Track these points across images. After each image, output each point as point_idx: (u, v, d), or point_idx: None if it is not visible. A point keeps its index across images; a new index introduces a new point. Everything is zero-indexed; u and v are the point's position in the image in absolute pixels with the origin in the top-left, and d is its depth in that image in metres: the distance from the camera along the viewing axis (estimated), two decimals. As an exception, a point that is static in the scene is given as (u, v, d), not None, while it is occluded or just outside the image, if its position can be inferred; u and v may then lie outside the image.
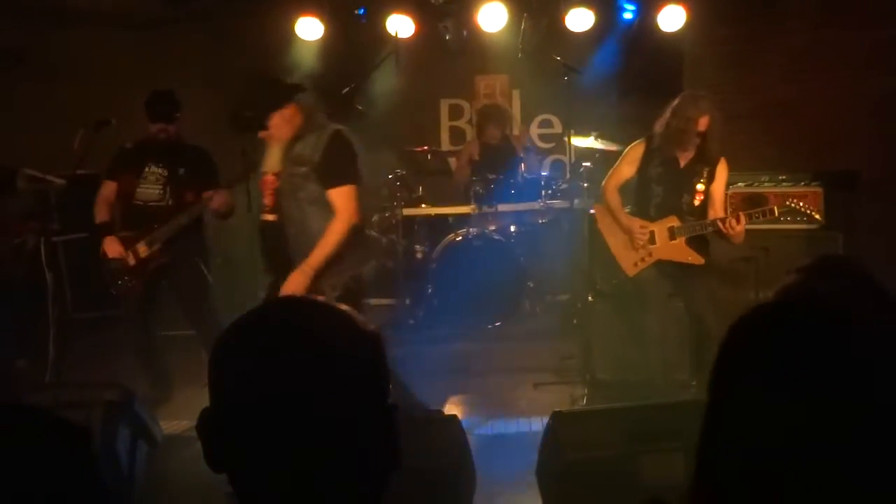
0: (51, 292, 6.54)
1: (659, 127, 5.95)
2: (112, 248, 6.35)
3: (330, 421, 1.27)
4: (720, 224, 5.76)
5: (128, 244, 6.32)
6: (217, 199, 6.22)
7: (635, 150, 6.09)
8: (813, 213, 5.89)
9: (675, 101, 5.90)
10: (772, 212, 5.75)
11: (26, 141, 8.08)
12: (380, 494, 1.35)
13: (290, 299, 1.41)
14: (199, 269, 6.51)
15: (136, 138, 6.56)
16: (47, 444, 1.53)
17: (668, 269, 5.99)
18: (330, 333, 1.33)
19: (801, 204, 5.84)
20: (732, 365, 1.45)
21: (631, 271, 6.05)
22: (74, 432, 1.58)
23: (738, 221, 5.67)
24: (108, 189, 6.51)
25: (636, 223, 6.01)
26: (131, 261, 6.33)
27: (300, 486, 1.28)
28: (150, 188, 6.39)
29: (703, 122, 5.80)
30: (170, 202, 6.37)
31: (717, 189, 5.96)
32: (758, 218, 5.76)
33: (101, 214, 6.47)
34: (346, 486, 1.30)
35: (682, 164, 5.94)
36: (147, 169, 6.40)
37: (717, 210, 5.93)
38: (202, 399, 1.36)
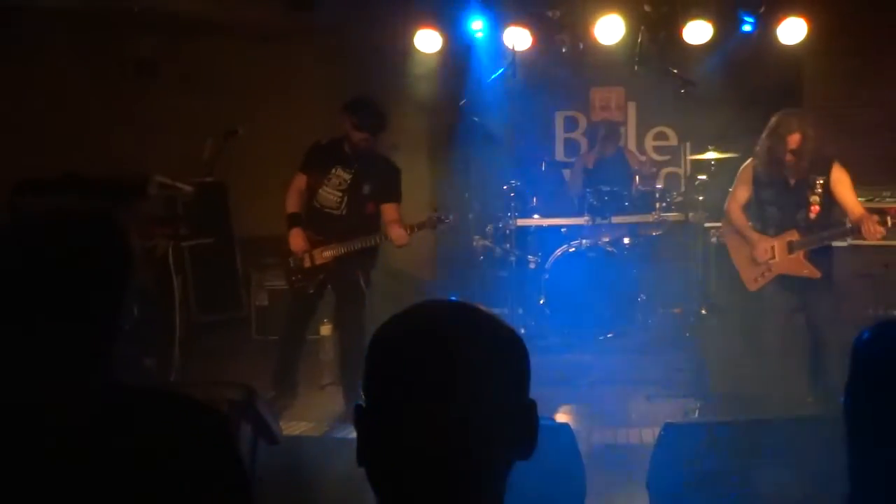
0: (178, 295, 6.81)
1: (758, 150, 5.94)
2: (297, 241, 6.60)
3: (479, 412, 1.37)
4: (855, 231, 5.69)
5: (310, 245, 6.59)
6: (398, 235, 6.49)
7: (746, 171, 6.10)
8: None
9: (771, 121, 5.87)
10: (885, 222, 5.63)
11: (158, 148, 8.43)
12: (504, 481, 1.44)
13: (441, 300, 1.51)
14: (359, 291, 6.64)
15: (333, 136, 6.73)
16: (195, 425, 1.69)
17: (791, 284, 5.94)
18: (481, 331, 1.43)
19: None
20: (867, 378, 1.50)
21: (752, 286, 6.03)
22: (216, 416, 1.75)
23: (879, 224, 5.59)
24: (300, 181, 6.73)
25: (761, 240, 5.98)
26: (307, 263, 6.59)
27: (447, 476, 1.37)
28: (331, 193, 6.58)
29: (792, 140, 5.76)
30: (345, 211, 6.57)
31: (842, 193, 5.86)
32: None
33: (291, 205, 6.73)
34: (486, 475, 1.41)
35: (792, 181, 5.89)
36: (334, 171, 6.59)
37: (854, 213, 5.82)
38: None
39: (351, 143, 6.55)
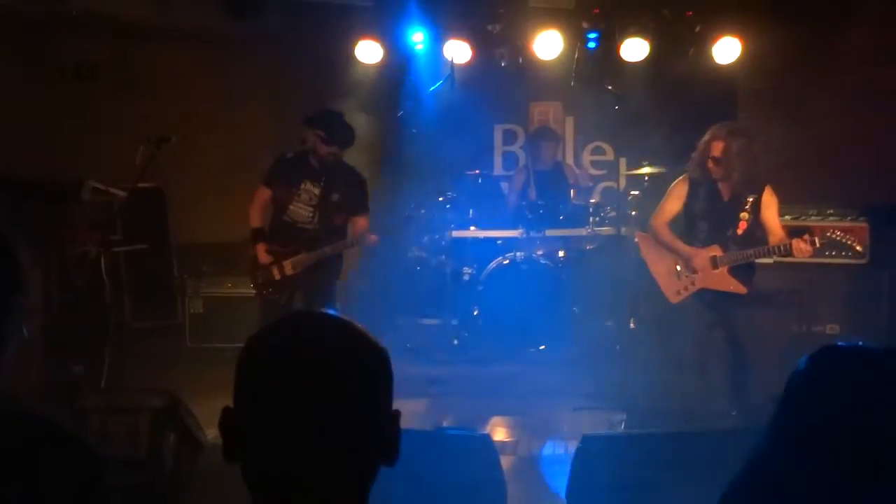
0: (109, 301, 6.78)
1: (692, 156, 6.07)
2: (263, 255, 6.65)
3: (338, 420, 1.43)
4: (778, 249, 5.80)
5: (276, 258, 6.66)
6: (372, 238, 6.64)
7: (680, 187, 6.16)
8: (854, 244, 5.89)
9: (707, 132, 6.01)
10: (813, 242, 5.74)
11: (95, 152, 8.38)
12: (369, 487, 1.50)
13: (310, 312, 1.59)
14: (331, 295, 6.81)
15: (298, 150, 6.82)
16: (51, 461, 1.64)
17: (709, 298, 6.04)
18: (343, 344, 1.49)
19: (841, 235, 5.84)
20: (799, 397, 1.58)
21: (674, 299, 6.10)
22: (83, 453, 1.68)
23: (807, 242, 5.69)
24: (264, 195, 6.80)
25: (696, 252, 6.05)
26: (276, 275, 6.67)
27: (304, 478, 1.44)
28: (302, 208, 6.70)
29: (715, 148, 5.88)
30: (317, 225, 6.68)
31: (769, 217, 5.98)
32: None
33: (255, 219, 6.80)
34: (343, 478, 1.46)
35: (726, 197, 6.00)
36: (303, 185, 6.68)
37: (775, 237, 5.92)
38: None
39: (318, 157, 6.66)
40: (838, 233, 5.85)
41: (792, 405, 1.62)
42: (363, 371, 1.47)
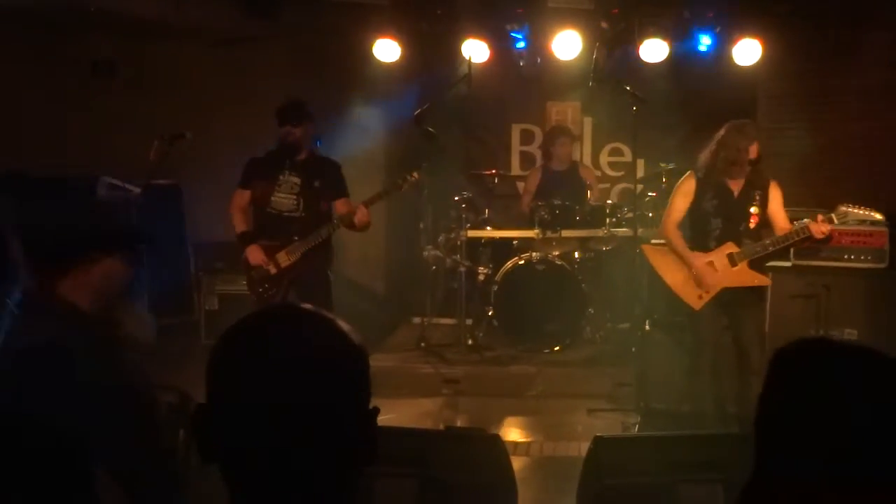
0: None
1: (705, 160, 5.95)
2: (255, 256, 6.67)
3: (313, 420, 1.39)
4: (796, 234, 5.76)
5: (269, 253, 6.63)
6: (360, 215, 6.54)
7: (687, 184, 6.06)
8: (872, 212, 5.87)
9: (721, 133, 5.91)
10: (830, 219, 5.73)
11: (112, 149, 8.39)
12: (354, 486, 1.46)
13: (288, 306, 1.53)
14: (327, 282, 6.75)
15: (268, 150, 6.83)
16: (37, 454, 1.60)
17: (725, 299, 5.96)
18: (320, 340, 1.45)
19: (857, 207, 5.82)
20: (776, 391, 1.57)
21: (697, 305, 5.97)
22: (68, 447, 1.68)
23: (823, 222, 5.68)
24: (242, 198, 6.80)
25: (700, 259, 5.99)
26: (273, 270, 6.65)
27: (281, 478, 1.39)
28: (285, 197, 6.65)
29: (753, 150, 5.84)
30: (303, 213, 6.65)
31: (776, 210, 5.95)
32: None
33: (239, 224, 6.79)
34: (323, 480, 1.42)
35: (736, 193, 5.94)
36: (282, 176, 6.66)
37: (782, 230, 5.88)
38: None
39: (293, 146, 6.65)
40: (851, 206, 5.80)
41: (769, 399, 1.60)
42: (339, 368, 1.44)
